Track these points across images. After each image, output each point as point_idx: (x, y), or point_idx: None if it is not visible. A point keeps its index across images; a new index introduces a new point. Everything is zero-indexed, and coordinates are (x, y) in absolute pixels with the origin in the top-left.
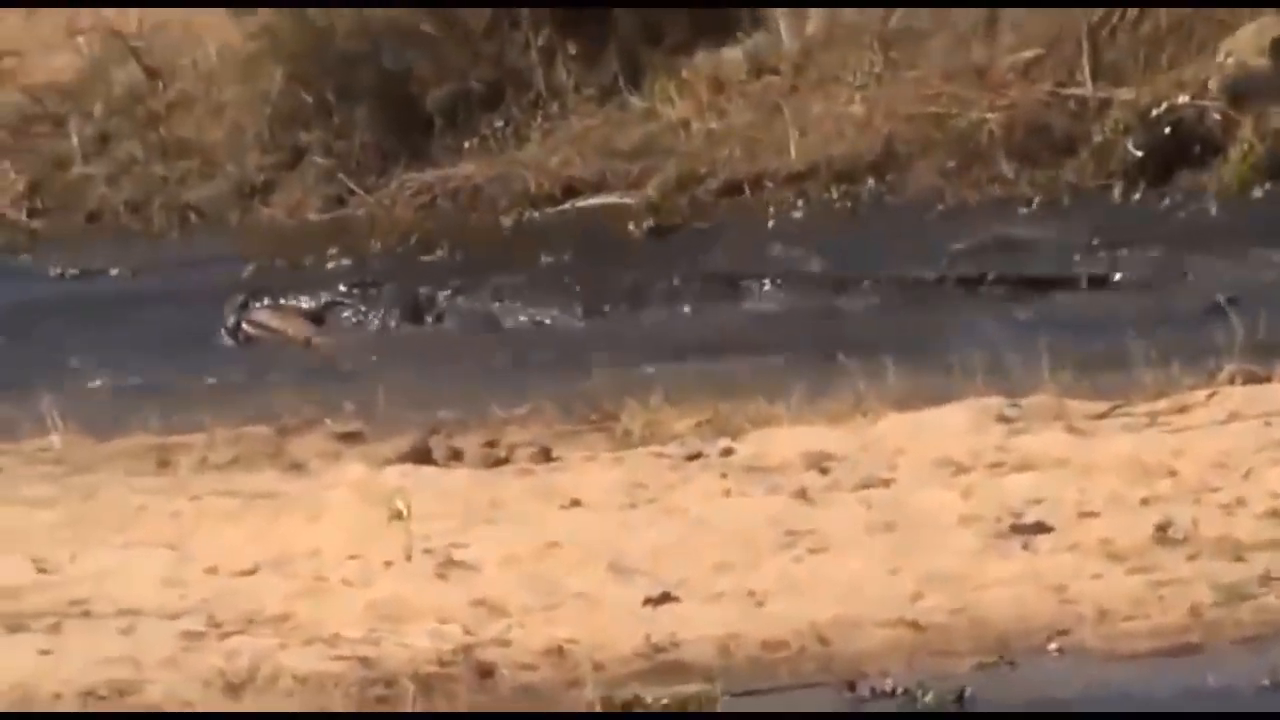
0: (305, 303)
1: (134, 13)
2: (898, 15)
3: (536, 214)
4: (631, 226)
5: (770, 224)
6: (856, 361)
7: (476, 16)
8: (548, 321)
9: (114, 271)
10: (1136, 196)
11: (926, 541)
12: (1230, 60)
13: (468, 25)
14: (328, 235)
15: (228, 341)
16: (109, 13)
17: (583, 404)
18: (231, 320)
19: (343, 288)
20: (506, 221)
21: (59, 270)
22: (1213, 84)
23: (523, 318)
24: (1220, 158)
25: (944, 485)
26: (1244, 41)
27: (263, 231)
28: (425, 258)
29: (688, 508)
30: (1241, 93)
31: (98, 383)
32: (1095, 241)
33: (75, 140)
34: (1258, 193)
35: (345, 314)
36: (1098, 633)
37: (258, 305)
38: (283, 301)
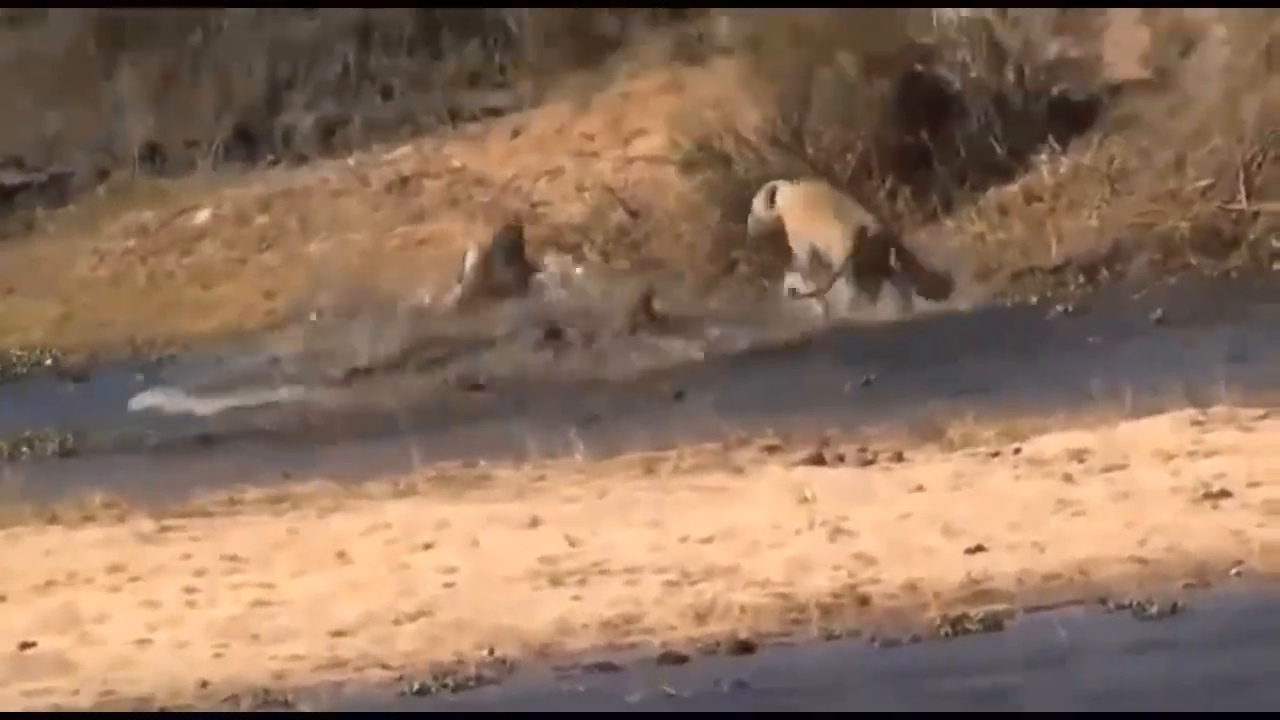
0: None
1: (620, 175)
2: (1118, 160)
3: None
4: None
5: (1039, 299)
6: (1102, 387)
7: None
8: None
9: None
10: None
11: (1149, 505)
12: None
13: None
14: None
15: None
16: (605, 173)
17: (924, 425)
18: None
19: None
20: None
21: None
22: None
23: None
24: None
25: (1159, 468)
26: None
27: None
28: None
29: (992, 489)
30: None
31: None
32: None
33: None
34: None
35: None
36: (1263, 561)
37: None
38: None
